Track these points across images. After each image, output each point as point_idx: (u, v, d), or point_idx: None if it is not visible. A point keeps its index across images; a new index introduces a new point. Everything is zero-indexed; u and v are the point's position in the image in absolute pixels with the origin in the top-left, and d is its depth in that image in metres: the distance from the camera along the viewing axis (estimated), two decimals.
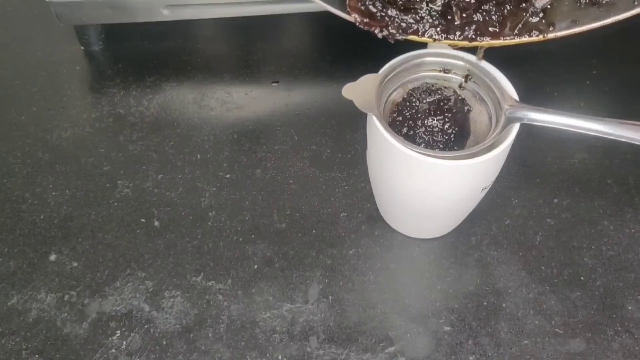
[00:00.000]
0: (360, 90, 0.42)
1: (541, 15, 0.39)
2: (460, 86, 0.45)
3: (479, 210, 0.49)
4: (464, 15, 0.38)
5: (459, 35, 0.39)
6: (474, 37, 0.39)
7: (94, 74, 0.62)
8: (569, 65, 0.61)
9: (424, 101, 0.44)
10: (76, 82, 0.61)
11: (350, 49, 0.63)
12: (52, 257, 0.49)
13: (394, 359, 0.44)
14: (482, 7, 0.38)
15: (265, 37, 0.64)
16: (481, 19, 0.38)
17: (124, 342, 0.45)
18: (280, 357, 0.44)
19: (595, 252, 0.49)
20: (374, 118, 0.41)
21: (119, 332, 0.45)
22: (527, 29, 0.39)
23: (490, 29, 0.38)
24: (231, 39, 0.65)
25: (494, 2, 0.38)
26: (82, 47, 0.63)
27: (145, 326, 0.46)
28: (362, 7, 0.38)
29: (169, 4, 0.57)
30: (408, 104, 0.44)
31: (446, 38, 0.39)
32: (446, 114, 0.44)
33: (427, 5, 0.38)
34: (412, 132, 0.44)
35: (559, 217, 0.51)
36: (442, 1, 0.38)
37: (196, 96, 0.60)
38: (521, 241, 0.50)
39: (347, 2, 0.39)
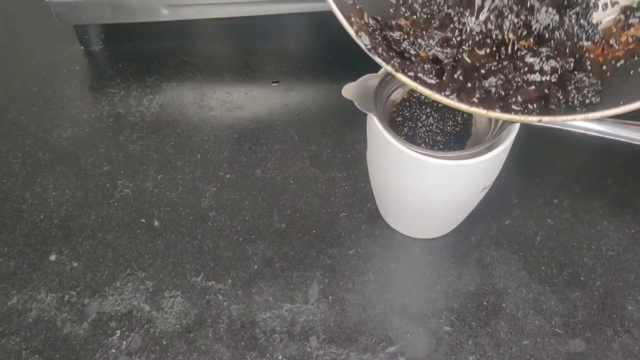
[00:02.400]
0: (360, 90, 0.42)
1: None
2: None
3: (479, 210, 0.49)
4: (461, 76, 0.34)
5: (449, 94, 0.34)
6: (470, 101, 0.34)
7: (94, 74, 0.62)
8: None
9: (424, 101, 0.44)
10: (76, 82, 0.61)
11: (350, 49, 0.63)
12: (52, 257, 0.49)
13: (394, 359, 0.44)
14: (488, 79, 0.34)
15: (265, 37, 0.64)
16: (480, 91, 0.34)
17: (124, 342, 0.45)
18: (280, 357, 0.44)
19: (595, 252, 0.49)
20: (374, 118, 0.41)
21: (119, 332, 0.45)
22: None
23: (489, 103, 0.34)
24: (231, 39, 0.65)
25: (502, 77, 0.34)
26: (82, 47, 0.63)
27: (145, 326, 0.46)
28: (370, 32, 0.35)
29: (169, 4, 0.57)
30: (408, 104, 0.44)
31: (434, 91, 0.34)
32: (446, 114, 0.43)
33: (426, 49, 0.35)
34: (412, 132, 0.44)
35: (559, 217, 0.51)
36: (446, 55, 0.34)
37: (196, 96, 0.60)
38: (521, 241, 0.50)
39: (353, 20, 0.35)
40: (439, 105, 0.44)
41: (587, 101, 0.35)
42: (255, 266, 0.49)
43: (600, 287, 0.48)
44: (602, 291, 0.47)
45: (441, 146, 0.43)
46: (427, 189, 0.43)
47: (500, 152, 0.40)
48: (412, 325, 0.46)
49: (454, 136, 0.44)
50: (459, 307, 0.47)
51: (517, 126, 0.41)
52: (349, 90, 0.42)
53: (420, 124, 0.43)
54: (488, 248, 0.50)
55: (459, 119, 0.44)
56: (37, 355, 0.44)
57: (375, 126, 0.41)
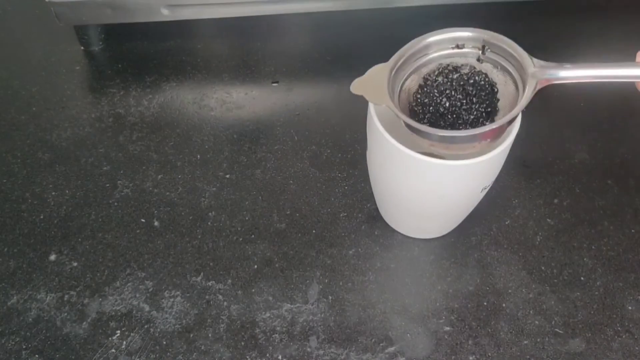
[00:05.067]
0: (370, 83, 0.39)
1: None
2: (478, 59, 0.41)
3: (479, 210, 0.49)
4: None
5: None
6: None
7: (94, 74, 0.62)
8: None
9: (442, 83, 0.40)
10: (76, 82, 0.61)
11: (350, 48, 0.63)
12: (52, 257, 0.49)
13: (394, 359, 0.44)
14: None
15: (265, 37, 0.64)
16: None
17: (124, 342, 0.45)
18: (280, 357, 0.44)
19: (595, 252, 0.49)
20: (374, 118, 0.41)
21: (119, 332, 0.45)
22: None
23: None
24: (231, 39, 0.65)
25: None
26: (82, 47, 0.63)
27: (145, 326, 0.46)
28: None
29: (169, 4, 0.57)
30: (426, 89, 0.40)
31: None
32: (468, 92, 0.40)
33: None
34: (434, 118, 0.40)
35: (559, 217, 0.51)
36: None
37: (196, 96, 0.60)
38: (521, 241, 0.50)
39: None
40: (459, 84, 0.41)
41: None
42: (255, 266, 0.49)
43: (600, 287, 0.48)
44: (602, 291, 0.47)
45: (468, 125, 0.40)
46: (427, 189, 0.43)
47: (500, 152, 0.40)
48: (412, 325, 0.46)
49: (481, 113, 0.40)
50: (459, 307, 0.47)
51: (517, 126, 0.41)
52: (358, 85, 0.39)
53: (442, 109, 0.40)
54: (488, 248, 0.50)
55: (482, 94, 0.40)
56: (37, 355, 0.44)
57: (375, 126, 0.41)
